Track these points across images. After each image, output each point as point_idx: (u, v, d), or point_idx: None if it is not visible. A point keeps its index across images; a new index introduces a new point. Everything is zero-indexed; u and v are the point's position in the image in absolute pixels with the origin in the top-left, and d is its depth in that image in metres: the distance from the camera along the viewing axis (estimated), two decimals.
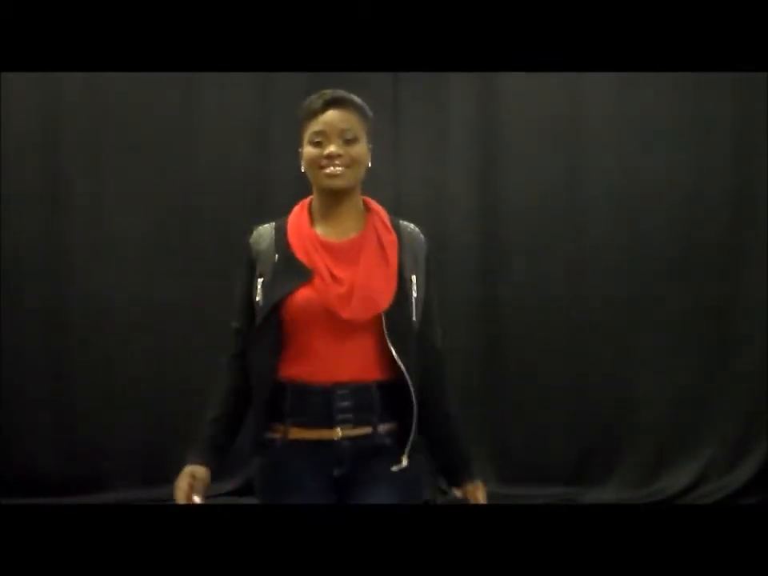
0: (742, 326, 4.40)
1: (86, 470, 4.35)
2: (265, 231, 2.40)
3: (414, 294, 2.31)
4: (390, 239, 2.34)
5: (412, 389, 2.23)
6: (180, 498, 2.15)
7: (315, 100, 2.36)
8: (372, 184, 4.77)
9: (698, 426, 4.37)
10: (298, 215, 2.40)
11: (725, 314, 4.40)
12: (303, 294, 2.25)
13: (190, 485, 2.18)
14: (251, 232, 2.40)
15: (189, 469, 2.22)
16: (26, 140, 4.34)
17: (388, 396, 2.26)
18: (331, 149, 2.30)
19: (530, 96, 4.26)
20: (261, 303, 2.29)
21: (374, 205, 2.43)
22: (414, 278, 2.33)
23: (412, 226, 2.43)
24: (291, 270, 2.28)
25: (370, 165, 2.38)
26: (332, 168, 2.30)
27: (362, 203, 2.42)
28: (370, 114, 2.39)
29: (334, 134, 2.31)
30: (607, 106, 4.39)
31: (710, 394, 4.40)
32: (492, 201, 4.43)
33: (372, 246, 2.32)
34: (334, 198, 2.35)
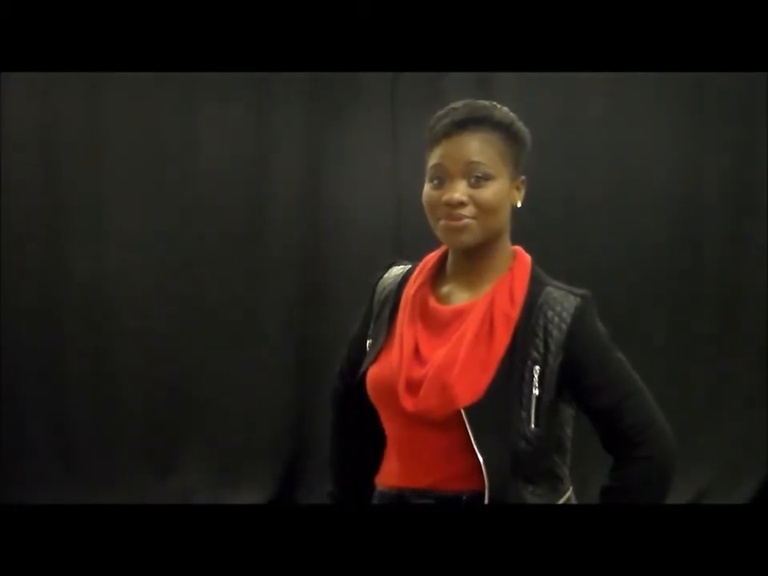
0: (743, 327, 4.38)
1: (84, 470, 4.35)
2: (396, 275, 1.89)
3: (536, 392, 1.71)
4: (508, 314, 1.73)
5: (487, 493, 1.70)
6: None
7: (441, 118, 1.78)
8: (372, 184, 4.75)
9: (697, 440, 4.30)
10: (426, 263, 1.86)
11: (726, 318, 4.37)
12: (374, 370, 1.80)
13: None
14: (385, 269, 1.92)
15: None
16: (25, 140, 4.33)
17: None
18: (452, 194, 1.72)
19: (528, 96, 4.25)
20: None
21: (519, 261, 1.81)
22: (536, 370, 1.71)
23: (563, 293, 1.75)
24: (380, 336, 1.82)
25: (519, 204, 1.80)
26: (452, 221, 1.73)
27: (507, 257, 1.82)
28: (524, 131, 1.81)
29: (458, 172, 1.73)
30: (606, 107, 4.38)
31: (710, 403, 4.35)
32: None
33: (477, 320, 1.74)
34: (463, 255, 1.79)
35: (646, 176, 4.37)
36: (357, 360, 1.86)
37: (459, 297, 1.80)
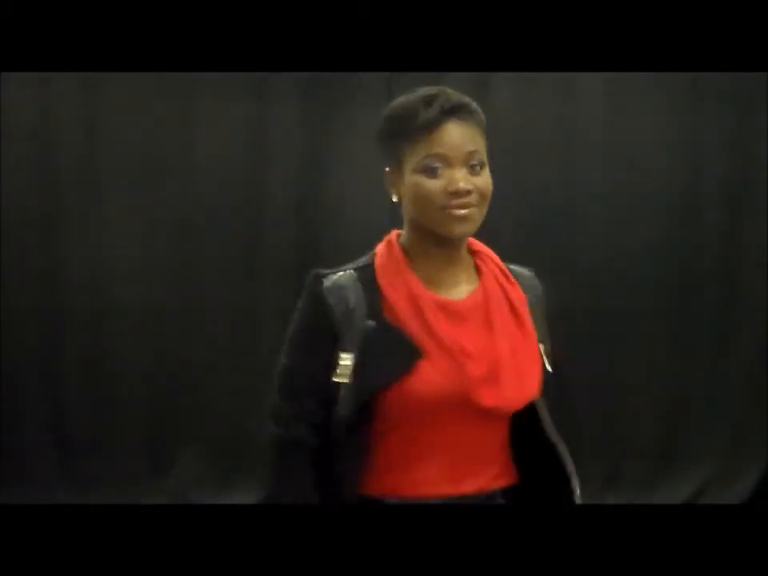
0: (743, 327, 4.37)
1: (84, 470, 4.35)
2: (345, 281, 1.74)
3: (549, 369, 1.77)
4: (520, 296, 1.77)
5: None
6: None
7: (423, 105, 1.69)
8: (371, 184, 4.75)
9: (695, 439, 4.30)
10: (391, 262, 1.75)
11: (724, 317, 4.37)
12: (422, 378, 1.66)
13: None
14: (318, 278, 1.76)
15: None
16: (25, 141, 4.33)
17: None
18: (459, 184, 1.65)
19: (524, 97, 4.24)
20: (351, 389, 1.68)
21: (480, 245, 1.82)
22: (541, 347, 1.77)
23: (526, 271, 1.85)
24: (398, 343, 1.67)
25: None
26: (458, 210, 1.66)
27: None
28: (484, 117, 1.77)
29: (458, 160, 1.67)
30: (603, 108, 4.37)
31: (707, 402, 4.34)
32: None
33: (502, 307, 1.74)
34: (448, 245, 1.73)
35: (645, 176, 4.36)
36: (326, 388, 1.71)
37: (458, 288, 1.75)
